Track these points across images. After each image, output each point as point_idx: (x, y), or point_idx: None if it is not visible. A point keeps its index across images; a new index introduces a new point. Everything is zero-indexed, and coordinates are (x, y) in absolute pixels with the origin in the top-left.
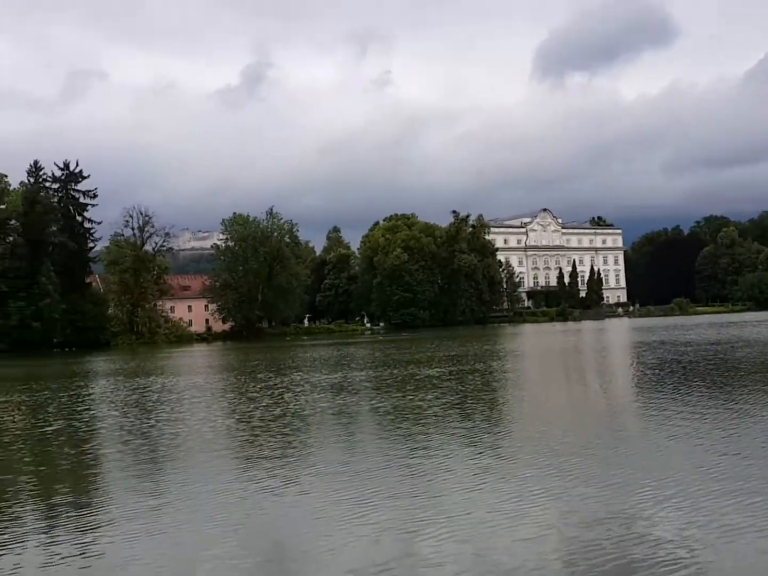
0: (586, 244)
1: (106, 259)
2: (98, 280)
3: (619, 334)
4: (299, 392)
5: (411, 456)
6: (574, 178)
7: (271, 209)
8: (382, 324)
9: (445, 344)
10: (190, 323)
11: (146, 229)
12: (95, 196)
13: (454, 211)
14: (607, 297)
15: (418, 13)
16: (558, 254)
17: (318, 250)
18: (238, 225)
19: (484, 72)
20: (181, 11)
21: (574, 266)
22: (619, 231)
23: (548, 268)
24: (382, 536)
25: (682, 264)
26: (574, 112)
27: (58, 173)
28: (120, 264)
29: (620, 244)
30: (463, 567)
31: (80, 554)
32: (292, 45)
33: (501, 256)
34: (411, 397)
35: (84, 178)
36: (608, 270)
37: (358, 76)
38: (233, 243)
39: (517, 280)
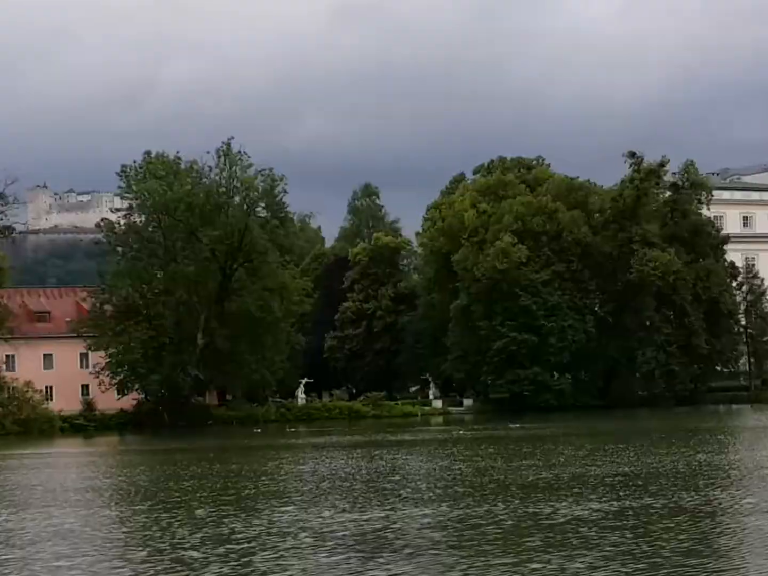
0: None
1: None
2: None
3: None
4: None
5: None
6: None
7: (228, 144)
8: (467, 401)
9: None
10: (48, 394)
11: None
12: None
13: (631, 155)
14: None
15: None
16: None
17: (331, 238)
18: (155, 178)
19: None
20: None
21: None
22: None
23: None
24: None
25: None
26: None
27: None
28: None
29: None
30: None
31: None
32: None
33: (735, 252)
34: (537, 565)
35: None
36: None
37: None
38: (143, 216)
39: None
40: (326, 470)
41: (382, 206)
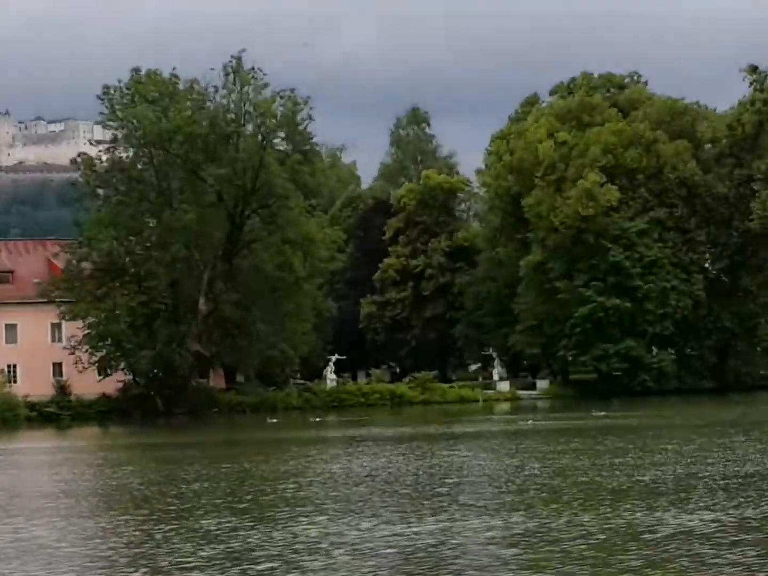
0: None
1: None
2: None
3: None
4: None
5: None
6: None
7: (239, 59)
8: (542, 382)
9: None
10: (11, 374)
11: None
12: None
13: (752, 69)
14: None
15: None
16: None
17: (369, 177)
18: (146, 101)
19: None
20: None
21: None
22: None
23: None
24: None
25: None
26: None
27: None
28: None
29: None
30: None
31: None
32: None
33: None
34: None
35: None
36: None
37: None
38: (130, 150)
39: None
40: (364, 470)
41: (434, 136)
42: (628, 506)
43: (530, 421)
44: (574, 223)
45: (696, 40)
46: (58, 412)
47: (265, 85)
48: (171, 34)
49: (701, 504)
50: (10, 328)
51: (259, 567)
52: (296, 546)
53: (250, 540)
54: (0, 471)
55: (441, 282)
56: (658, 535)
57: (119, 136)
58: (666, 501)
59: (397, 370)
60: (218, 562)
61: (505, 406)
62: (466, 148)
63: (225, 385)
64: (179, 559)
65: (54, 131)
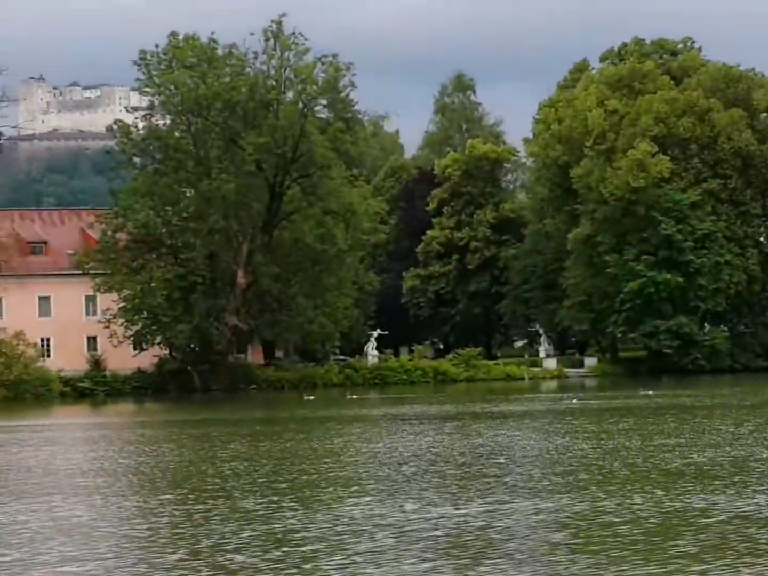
0: None
1: None
2: None
3: None
4: None
5: None
6: None
7: (279, 23)
8: (590, 360)
9: None
10: (45, 348)
11: None
12: None
13: None
14: None
15: None
16: None
17: (413, 146)
18: (184, 67)
19: None
20: None
21: None
22: None
23: None
24: None
25: None
26: None
27: None
28: None
29: None
30: None
31: None
32: None
33: None
34: None
35: None
36: None
37: None
38: (167, 117)
39: None
40: (408, 450)
41: (480, 104)
42: (681, 489)
43: (574, 400)
44: (624, 194)
45: (752, 5)
46: (93, 388)
47: (307, 51)
48: None
49: (758, 487)
50: (44, 301)
51: (302, 549)
52: (339, 528)
53: (291, 521)
54: (35, 448)
55: (486, 255)
56: (713, 519)
57: (156, 102)
58: (721, 484)
59: (441, 346)
60: (259, 543)
61: (552, 384)
62: (513, 117)
63: (263, 360)
64: (219, 541)
65: (89, 97)
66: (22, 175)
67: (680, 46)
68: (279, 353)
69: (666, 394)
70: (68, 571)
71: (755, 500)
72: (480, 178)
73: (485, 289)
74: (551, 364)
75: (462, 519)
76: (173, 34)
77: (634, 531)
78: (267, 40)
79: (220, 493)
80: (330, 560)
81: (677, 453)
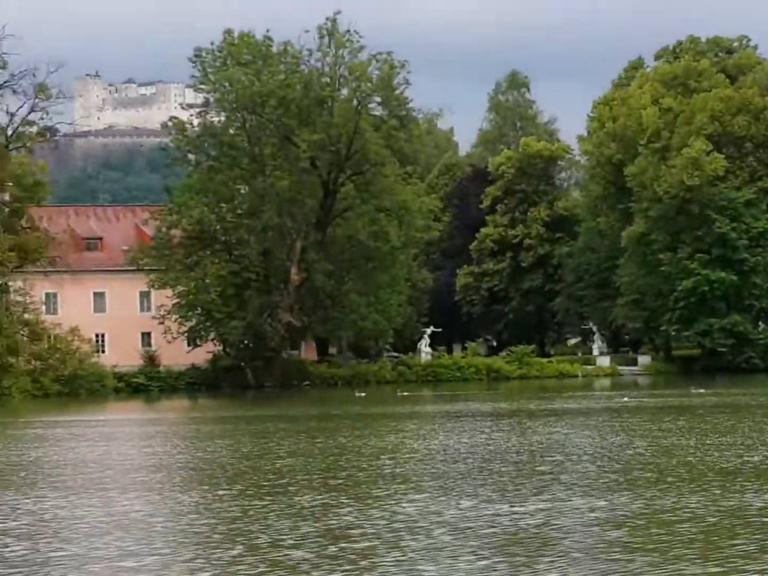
0: None
1: None
2: None
3: None
4: None
5: None
6: None
7: (334, 20)
8: (643, 358)
9: None
10: (99, 344)
11: None
12: None
13: None
14: None
15: None
16: None
17: (467, 144)
18: (239, 64)
19: None
20: None
21: None
22: None
23: None
24: None
25: None
26: None
27: None
28: None
29: None
30: None
31: None
32: None
33: None
34: None
35: None
36: None
37: None
38: (222, 114)
39: None
40: (462, 447)
41: (534, 102)
42: (737, 487)
43: (626, 398)
44: (678, 192)
45: None
46: (147, 383)
47: (361, 48)
48: None
49: None
50: (99, 297)
51: (358, 546)
52: (395, 524)
53: (347, 517)
54: (91, 443)
55: (540, 253)
56: None
57: (211, 99)
58: None
59: (494, 343)
60: (315, 539)
61: (606, 381)
62: (567, 114)
63: (317, 357)
64: (275, 537)
65: (145, 94)
66: (78, 172)
67: (735, 44)
68: (332, 350)
69: (720, 392)
70: (126, 566)
71: None
72: (534, 176)
73: (539, 287)
74: (604, 362)
75: (518, 516)
76: (228, 32)
77: (691, 529)
78: (321, 37)
79: (276, 489)
80: (386, 557)
81: (733, 451)
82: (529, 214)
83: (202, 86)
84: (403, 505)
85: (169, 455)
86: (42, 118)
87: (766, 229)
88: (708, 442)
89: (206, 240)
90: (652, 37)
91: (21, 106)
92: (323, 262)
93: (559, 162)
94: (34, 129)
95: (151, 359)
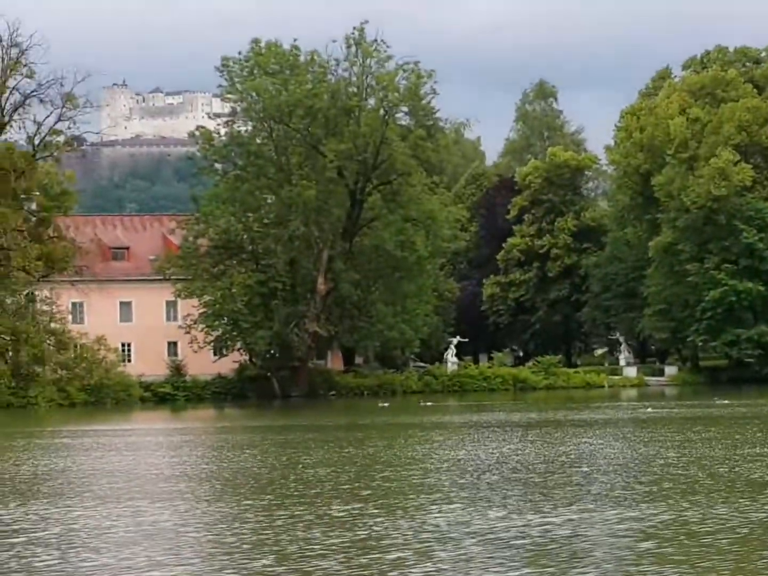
0: None
1: None
2: None
3: None
4: None
5: None
6: None
7: (362, 30)
8: (670, 369)
9: None
10: (125, 353)
11: (11, 76)
12: None
13: None
14: None
15: None
16: None
17: (494, 154)
18: (266, 74)
19: None
20: None
21: None
22: None
23: None
24: None
25: None
26: None
27: None
28: None
29: None
30: None
31: None
32: None
33: None
34: None
35: None
36: None
37: None
38: (249, 124)
39: None
40: (491, 457)
41: (561, 111)
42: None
43: (649, 408)
44: (706, 203)
45: None
46: (173, 393)
47: (388, 58)
48: (292, 2)
49: None
50: (125, 306)
51: (389, 556)
52: (424, 535)
53: (376, 528)
54: (117, 453)
55: (567, 263)
56: None
57: (238, 109)
58: None
59: (521, 353)
60: (345, 550)
61: (632, 392)
62: (595, 124)
63: (343, 367)
64: (304, 547)
65: (172, 104)
66: (105, 181)
67: (763, 54)
68: (359, 359)
69: (748, 403)
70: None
71: None
72: (561, 186)
73: (565, 297)
74: (631, 372)
75: (547, 527)
76: (255, 41)
77: (722, 541)
78: (349, 47)
79: (303, 500)
80: (416, 568)
81: (763, 462)
82: (556, 224)
83: (229, 96)
84: (431, 515)
85: (196, 465)
86: (69, 128)
87: None
88: (738, 453)
89: (233, 249)
90: (680, 47)
91: (48, 116)
92: (350, 271)
93: (586, 172)
94: (61, 138)
95: (177, 369)
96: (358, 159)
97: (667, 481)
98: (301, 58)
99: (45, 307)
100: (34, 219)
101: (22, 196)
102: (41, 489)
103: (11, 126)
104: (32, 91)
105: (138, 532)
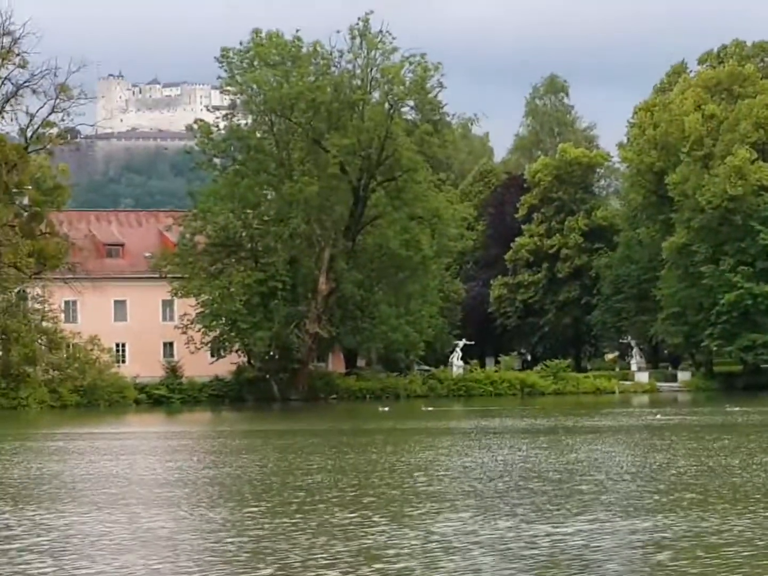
0: None
1: None
2: None
3: None
4: None
5: None
6: None
7: (367, 21)
8: (683, 374)
9: None
10: (120, 354)
11: (3, 66)
12: None
13: None
14: None
15: None
16: None
17: (502, 150)
18: (267, 66)
19: None
20: None
21: None
22: None
23: None
24: None
25: None
26: None
27: None
28: None
29: None
30: None
31: None
32: None
33: None
34: None
35: None
36: None
37: None
38: (249, 117)
39: None
40: (498, 465)
41: (572, 107)
42: None
43: (658, 415)
44: (721, 202)
45: None
46: (168, 395)
47: (394, 50)
48: None
49: None
50: (120, 305)
51: (395, 566)
52: (431, 545)
53: (381, 537)
54: (113, 456)
55: (577, 264)
56: None
57: (238, 102)
58: None
59: (528, 357)
60: (349, 559)
61: (644, 398)
62: (607, 120)
63: (345, 369)
64: (307, 556)
65: (169, 96)
66: (100, 175)
67: None
68: (361, 362)
69: (764, 410)
70: None
71: None
72: (571, 184)
73: (575, 299)
74: (643, 377)
75: (557, 538)
76: (256, 32)
77: (739, 553)
78: (353, 38)
79: (306, 507)
80: None
81: None
82: (566, 223)
83: (228, 88)
84: (438, 524)
85: (194, 470)
86: (63, 120)
87: None
88: (754, 462)
89: (231, 247)
90: (696, 41)
91: (41, 107)
92: (352, 271)
93: (597, 170)
94: (55, 130)
95: (173, 370)
96: (362, 154)
97: (681, 491)
98: (304, 50)
99: (37, 305)
100: (26, 214)
101: (14, 190)
102: (34, 494)
103: (3, 117)
104: (25, 82)
105: (134, 539)
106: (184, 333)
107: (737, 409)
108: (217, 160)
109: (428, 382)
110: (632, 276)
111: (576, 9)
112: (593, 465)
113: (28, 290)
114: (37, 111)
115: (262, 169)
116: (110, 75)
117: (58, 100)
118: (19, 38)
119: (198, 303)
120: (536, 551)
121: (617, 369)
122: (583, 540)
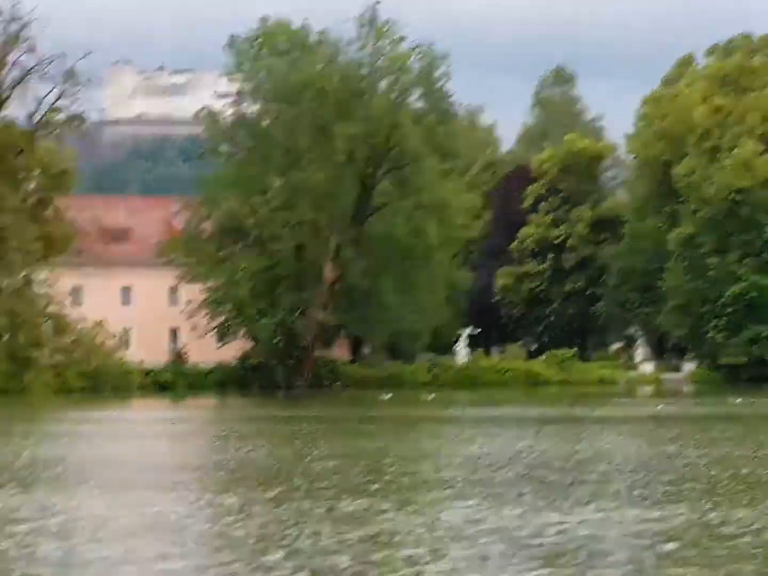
0: None
1: None
2: None
3: None
4: None
5: None
6: None
7: (375, 9)
8: (688, 365)
9: None
10: (126, 338)
11: (11, 51)
12: None
13: None
14: None
15: None
16: None
17: (509, 140)
18: (275, 53)
19: None
20: None
21: None
22: None
23: None
24: None
25: None
26: None
27: None
28: None
29: None
30: None
31: None
32: None
33: None
34: None
35: None
36: None
37: None
38: (257, 104)
39: None
40: (505, 454)
41: (580, 98)
42: None
43: (660, 406)
44: (728, 194)
45: None
46: (173, 381)
47: (401, 39)
48: None
49: None
50: (126, 290)
51: (403, 553)
52: (438, 532)
53: (389, 524)
54: (120, 442)
55: (583, 254)
56: None
57: (245, 89)
58: None
59: (534, 346)
60: (358, 546)
61: (648, 389)
62: (614, 112)
63: (350, 357)
64: (315, 542)
65: (176, 83)
66: (107, 161)
67: None
68: (366, 350)
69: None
70: (160, 569)
71: None
72: (578, 175)
73: (581, 290)
74: (648, 368)
75: (564, 527)
76: (264, 19)
77: (748, 544)
78: (361, 27)
79: (314, 493)
80: (432, 565)
81: None
82: (572, 213)
83: (236, 75)
84: (445, 512)
85: (202, 455)
86: (70, 105)
87: None
88: (762, 453)
89: (238, 234)
90: (704, 33)
91: (49, 92)
92: (359, 259)
93: (604, 160)
94: (62, 116)
95: (178, 356)
96: (369, 143)
97: (688, 481)
98: (312, 38)
99: (43, 290)
100: (33, 199)
101: (21, 174)
102: (41, 477)
103: (11, 103)
104: (33, 67)
105: (143, 523)
106: (191, 317)
107: (739, 400)
108: (224, 147)
109: (433, 371)
110: (638, 267)
111: (584, 3)
112: (600, 455)
113: (34, 275)
114: (45, 96)
115: (269, 156)
116: (118, 61)
117: (65, 86)
118: (27, 23)
119: (204, 289)
120: (543, 540)
121: (622, 360)
122: (590, 529)
